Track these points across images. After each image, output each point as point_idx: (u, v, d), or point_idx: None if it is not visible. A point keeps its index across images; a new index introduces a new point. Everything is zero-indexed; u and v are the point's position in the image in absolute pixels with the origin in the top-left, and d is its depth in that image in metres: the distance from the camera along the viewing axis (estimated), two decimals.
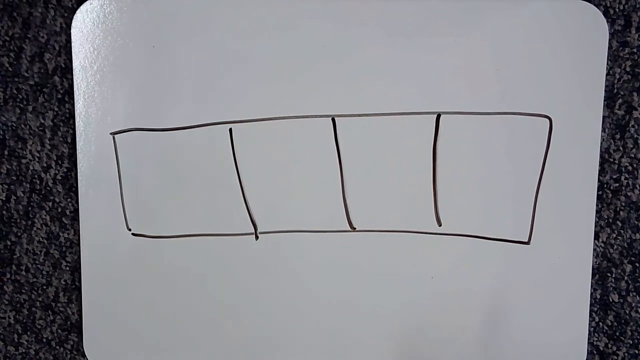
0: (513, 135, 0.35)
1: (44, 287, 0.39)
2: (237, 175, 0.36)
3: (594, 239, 0.36)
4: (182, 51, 0.35)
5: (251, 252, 0.37)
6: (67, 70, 0.37)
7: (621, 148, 0.36)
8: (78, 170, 0.37)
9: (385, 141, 0.35)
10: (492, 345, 0.37)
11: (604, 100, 0.35)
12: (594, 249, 0.37)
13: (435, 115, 0.35)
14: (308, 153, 0.36)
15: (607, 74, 0.35)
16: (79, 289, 0.39)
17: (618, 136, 0.36)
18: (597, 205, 0.36)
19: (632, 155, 0.36)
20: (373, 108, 0.35)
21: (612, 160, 0.36)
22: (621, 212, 0.37)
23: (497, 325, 0.37)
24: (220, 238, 0.37)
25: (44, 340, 0.40)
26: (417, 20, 0.34)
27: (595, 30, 0.34)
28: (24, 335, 0.40)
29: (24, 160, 0.38)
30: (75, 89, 0.36)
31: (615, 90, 0.36)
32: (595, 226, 0.36)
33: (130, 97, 0.36)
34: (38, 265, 0.39)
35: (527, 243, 0.36)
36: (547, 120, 0.35)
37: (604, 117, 0.36)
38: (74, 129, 0.37)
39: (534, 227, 0.36)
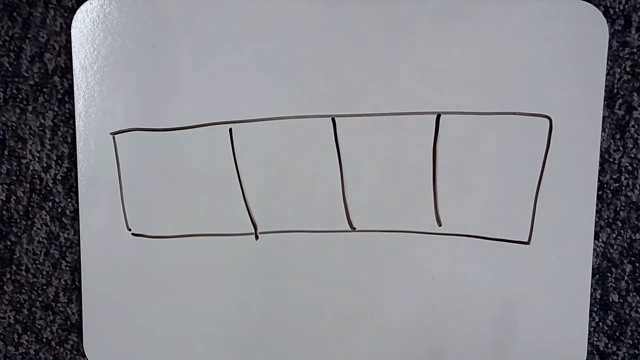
0: (513, 136, 0.35)
1: (44, 287, 0.39)
2: (237, 175, 0.36)
3: (594, 239, 0.36)
4: (182, 51, 0.35)
5: (251, 252, 0.37)
6: (67, 70, 0.37)
7: (621, 148, 0.36)
8: (78, 170, 0.37)
9: (385, 141, 0.35)
10: (492, 345, 0.37)
11: (604, 100, 0.35)
12: (594, 249, 0.37)
13: (435, 115, 0.35)
14: (308, 153, 0.36)
15: (607, 74, 0.35)
16: (79, 289, 0.39)
17: (618, 136, 0.36)
18: (597, 205, 0.36)
19: (632, 155, 0.36)
20: (373, 108, 0.35)
21: (612, 160, 0.36)
22: (621, 212, 0.37)
23: (497, 325, 0.37)
24: (220, 238, 0.37)
25: (44, 340, 0.40)
26: (417, 20, 0.34)
27: (595, 30, 0.34)
28: (24, 335, 0.40)
29: (24, 160, 0.38)
30: (75, 89, 0.36)
31: (615, 90, 0.36)
32: (595, 226, 0.36)
33: (130, 97, 0.36)
34: (38, 265, 0.39)
35: (527, 243, 0.36)
36: (547, 120, 0.35)
37: (604, 117, 0.36)
38: (74, 129, 0.37)
39: (534, 227, 0.36)
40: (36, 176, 0.38)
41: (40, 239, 0.39)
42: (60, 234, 0.39)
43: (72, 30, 0.36)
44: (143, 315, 0.38)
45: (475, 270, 0.36)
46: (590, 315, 0.37)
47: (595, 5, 0.34)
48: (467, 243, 0.36)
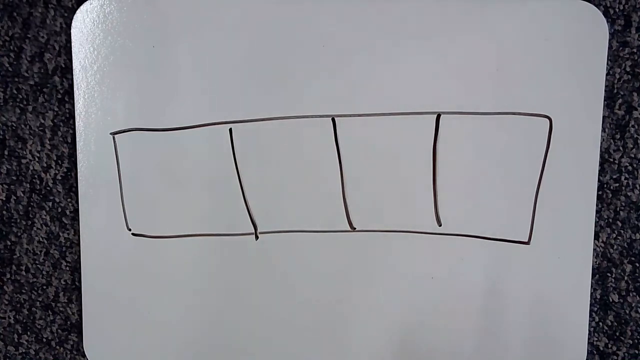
0: (513, 136, 0.35)
1: (44, 287, 0.39)
2: (237, 175, 0.36)
3: (594, 239, 0.36)
4: (182, 51, 0.35)
5: (251, 252, 0.37)
6: (67, 70, 0.37)
7: (621, 148, 0.36)
8: (78, 170, 0.37)
9: (385, 141, 0.35)
10: (492, 345, 0.37)
11: (604, 100, 0.35)
12: (594, 249, 0.37)
13: (435, 115, 0.35)
14: (308, 153, 0.36)
15: (607, 74, 0.35)
16: (79, 289, 0.39)
17: (618, 136, 0.36)
18: (597, 205, 0.36)
19: (632, 155, 0.36)
20: (373, 108, 0.35)
21: (612, 160, 0.36)
22: (621, 212, 0.37)
23: (497, 325, 0.37)
24: (220, 238, 0.37)
25: (44, 340, 0.40)
26: (417, 20, 0.34)
27: (595, 30, 0.34)
28: (24, 335, 0.40)
29: (24, 160, 0.38)
30: (75, 89, 0.36)
31: (615, 90, 0.36)
32: (595, 226, 0.36)
33: (130, 97, 0.36)
34: (38, 265, 0.39)
35: (527, 243, 0.36)
36: (547, 120, 0.35)
37: (604, 117, 0.36)
38: (74, 129, 0.37)
39: (534, 227, 0.36)
40: (36, 176, 0.38)
41: (40, 239, 0.39)
42: (60, 234, 0.39)
43: (72, 30, 0.36)
44: (143, 315, 0.38)
45: (475, 270, 0.36)
46: (590, 315, 0.37)
47: (595, 5, 0.34)
48: (467, 243, 0.36)
